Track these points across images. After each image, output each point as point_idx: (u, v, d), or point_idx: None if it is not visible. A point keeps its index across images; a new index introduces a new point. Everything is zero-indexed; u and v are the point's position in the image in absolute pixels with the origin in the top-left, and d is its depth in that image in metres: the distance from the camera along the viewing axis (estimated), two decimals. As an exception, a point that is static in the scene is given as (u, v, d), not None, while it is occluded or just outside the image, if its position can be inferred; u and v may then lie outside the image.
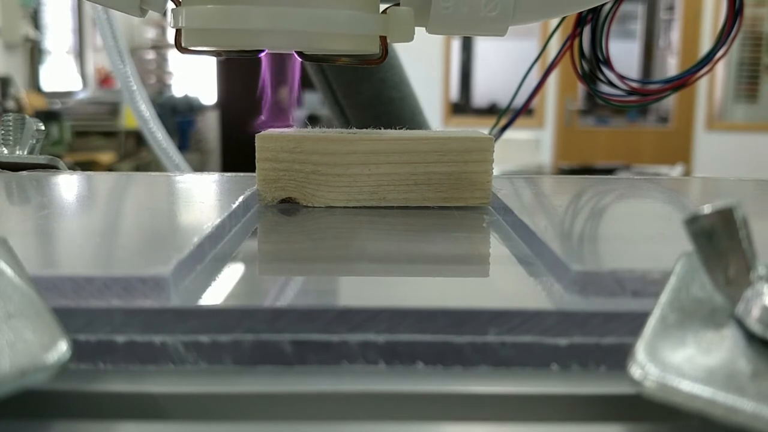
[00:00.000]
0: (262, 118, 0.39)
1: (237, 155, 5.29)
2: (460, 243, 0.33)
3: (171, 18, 0.37)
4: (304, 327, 0.20)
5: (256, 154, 0.37)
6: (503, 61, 4.69)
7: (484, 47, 4.86)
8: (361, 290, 0.25)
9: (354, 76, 0.69)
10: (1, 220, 0.33)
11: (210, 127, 5.65)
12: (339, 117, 0.72)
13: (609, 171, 3.95)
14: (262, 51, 0.37)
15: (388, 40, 0.37)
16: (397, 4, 0.37)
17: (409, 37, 0.36)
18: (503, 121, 0.54)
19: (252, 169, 0.39)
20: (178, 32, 0.36)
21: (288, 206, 0.37)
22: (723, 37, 0.46)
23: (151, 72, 5.49)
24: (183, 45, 0.36)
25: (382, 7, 0.37)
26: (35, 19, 4.21)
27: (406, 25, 0.36)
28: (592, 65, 0.48)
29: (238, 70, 5.56)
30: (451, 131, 0.39)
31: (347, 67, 0.68)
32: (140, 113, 0.76)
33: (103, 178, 0.47)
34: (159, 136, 0.76)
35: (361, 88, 0.69)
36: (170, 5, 0.37)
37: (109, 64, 0.78)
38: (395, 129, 0.39)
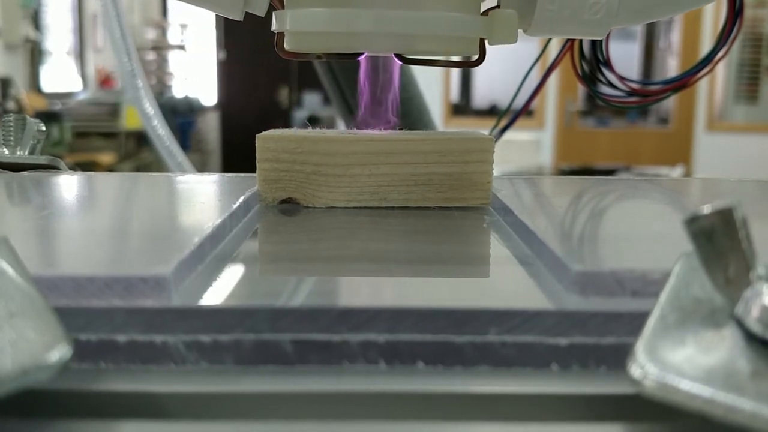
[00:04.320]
0: (362, 117, 0.39)
1: (237, 156, 5.30)
2: (460, 243, 0.33)
3: (274, 21, 0.37)
4: (305, 327, 0.20)
5: (257, 154, 0.37)
6: (503, 62, 4.68)
7: (484, 48, 4.85)
8: (361, 290, 0.25)
9: None
10: (2, 220, 0.33)
11: (210, 127, 5.65)
12: (346, 116, 0.72)
13: (609, 172, 3.95)
14: (362, 54, 0.37)
15: (490, 43, 0.37)
16: (497, 7, 0.37)
17: (512, 39, 0.36)
18: (503, 122, 0.54)
19: (252, 169, 0.39)
20: (279, 35, 0.37)
21: (289, 206, 0.37)
22: (723, 38, 0.46)
23: (152, 73, 5.49)
24: (285, 48, 0.37)
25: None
26: (36, 20, 4.21)
27: (510, 28, 0.36)
28: (593, 66, 0.48)
29: (238, 71, 5.56)
30: (452, 132, 0.39)
31: (357, 66, 0.68)
32: (144, 111, 0.76)
33: (103, 179, 0.47)
34: (162, 133, 0.76)
35: None
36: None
37: (115, 60, 0.78)
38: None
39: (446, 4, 0.34)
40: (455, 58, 0.39)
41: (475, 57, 0.38)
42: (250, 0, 0.36)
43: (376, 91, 0.39)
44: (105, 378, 0.19)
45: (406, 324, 0.20)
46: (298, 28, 0.35)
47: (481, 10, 0.37)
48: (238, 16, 0.37)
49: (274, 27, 0.37)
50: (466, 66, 0.39)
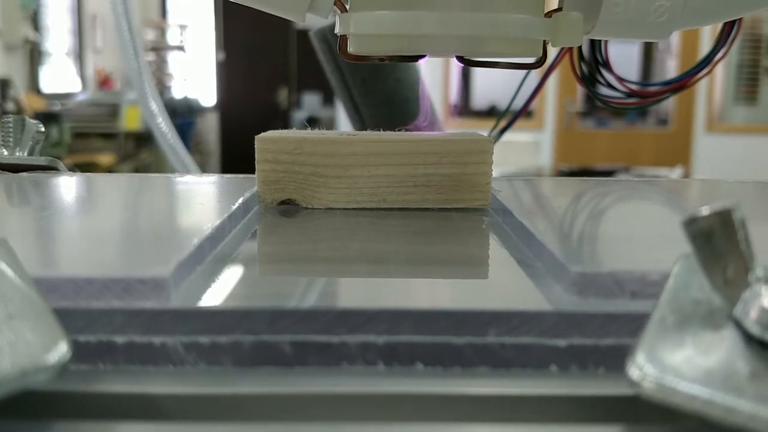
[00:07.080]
0: (421, 120, 0.39)
1: (236, 157, 5.30)
2: (459, 244, 0.33)
3: (338, 24, 0.37)
4: (304, 328, 0.20)
5: (256, 155, 0.37)
6: (503, 63, 4.68)
7: (484, 49, 4.85)
8: (360, 291, 0.25)
9: (370, 74, 0.69)
10: (1, 221, 0.33)
11: (210, 128, 5.65)
12: (353, 115, 0.72)
13: (608, 173, 3.94)
14: (424, 56, 0.37)
15: (553, 44, 0.37)
16: (559, 9, 0.37)
17: (577, 41, 0.37)
18: (503, 123, 0.54)
19: (252, 170, 0.39)
20: (342, 38, 0.37)
21: (288, 208, 0.37)
22: (722, 39, 0.46)
23: (151, 74, 5.49)
24: (349, 50, 0.37)
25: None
26: (35, 21, 4.21)
27: (575, 30, 0.36)
28: (592, 67, 0.48)
29: (237, 72, 5.56)
30: (451, 133, 0.39)
31: (364, 65, 0.68)
32: (149, 109, 0.76)
33: (102, 180, 0.47)
34: (167, 131, 0.76)
35: (376, 87, 0.69)
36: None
37: (121, 57, 0.78)
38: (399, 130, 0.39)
39: (512, 6, 0.34)
40: (515, 60, 0.39)
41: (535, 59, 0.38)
42: (315, 2, 0.36)
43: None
44: (104, 379, 0.19)
45: (405, 325, 0.20)
46: (364, 31, 0.35)
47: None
48: (300, 19, 0.37)
49: (337, 30, 0.37)
50: (527, 68, 0.39)
